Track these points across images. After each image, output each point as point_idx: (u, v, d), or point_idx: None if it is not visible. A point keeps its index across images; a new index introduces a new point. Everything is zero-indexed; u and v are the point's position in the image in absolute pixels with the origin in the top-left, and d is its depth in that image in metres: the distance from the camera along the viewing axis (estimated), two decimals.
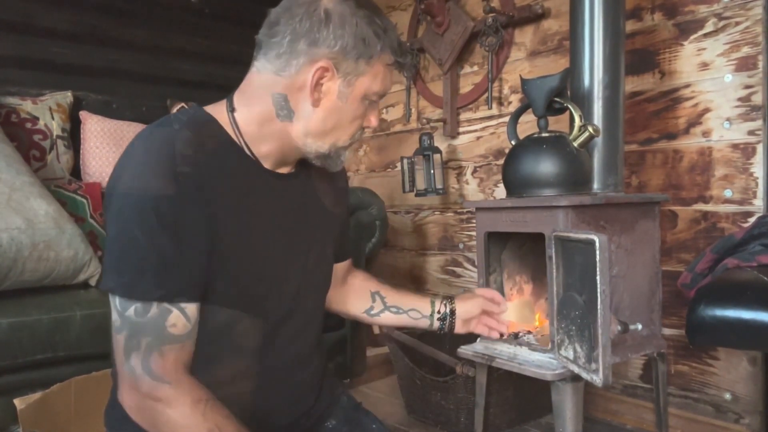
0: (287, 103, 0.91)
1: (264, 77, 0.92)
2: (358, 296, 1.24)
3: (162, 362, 0.82)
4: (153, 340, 0.82)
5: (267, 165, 0.96)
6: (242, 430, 0.83)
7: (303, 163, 1.01)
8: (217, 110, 0.94)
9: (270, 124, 0.93)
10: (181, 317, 0.84)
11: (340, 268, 1.21)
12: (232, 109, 0.94)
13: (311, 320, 1.07)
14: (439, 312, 1.22)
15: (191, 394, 0.82)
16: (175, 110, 2.56)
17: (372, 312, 1.23)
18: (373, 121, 0.97)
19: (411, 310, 1.22)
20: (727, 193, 1.71)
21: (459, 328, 1.25)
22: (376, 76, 0.91)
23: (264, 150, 0.94)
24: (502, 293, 1.64)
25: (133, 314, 0.82)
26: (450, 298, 1.25)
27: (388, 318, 1.23)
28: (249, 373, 0.94)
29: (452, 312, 1.23)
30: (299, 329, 1.02)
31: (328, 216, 1.09)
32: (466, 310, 1.25)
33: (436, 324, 1.23)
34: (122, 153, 0.87)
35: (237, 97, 0.95)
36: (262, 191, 0.95)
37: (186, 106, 2.59)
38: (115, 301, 0.83)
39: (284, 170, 0.99)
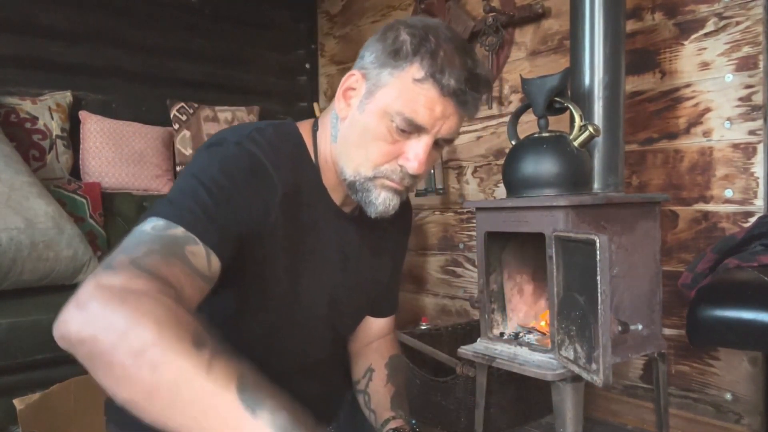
0: (336, 122, 0.86)
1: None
2: (360, 362, 1.06)
3: (160, 264, 0.62)
4: (160, 248, 0.64)
5: (335, 197, 0.89)
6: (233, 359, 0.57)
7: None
8: (305, 127, 0.89)
9: (329, 148, 0.87)
10: (204, 255, 0.68)
11: (377, 325, 1.07)
12: (316, 129, 0.89)
13: (329, 365, 1.00)
14: None
15: (182, 305, 0.59)
16: (174, 110, 2.56)
17: (357, 387, 1.04)
18: (411, 159, 0.80)
19: (372, 412, 0.99)
20: (728, 193, 1.71)
21: None
22: (401, 91, 0.77)
23: (328, 181, 0.88)
24: (503, 293, 1.65)
25: (150, 228, 0.67)
26: None
27: (359, 400, 1.03)
28: None
29: None
30: (314, 371, 0.95)
31: (384, 261, 1.01)
32: None
33: None
34: (214, 136, 0.83)
35: (321, 116, 0.90)
36: (323, 224, 0.87)
37: (186, 106, 2.59)
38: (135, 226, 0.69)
39: (348, 209, 0.91)
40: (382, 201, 0.83)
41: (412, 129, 0.79)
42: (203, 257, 0.68)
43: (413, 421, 0.94)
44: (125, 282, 0.57)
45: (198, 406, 0.50)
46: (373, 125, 0.80)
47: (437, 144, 0.82)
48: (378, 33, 0.83)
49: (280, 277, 0.84)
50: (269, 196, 0.78)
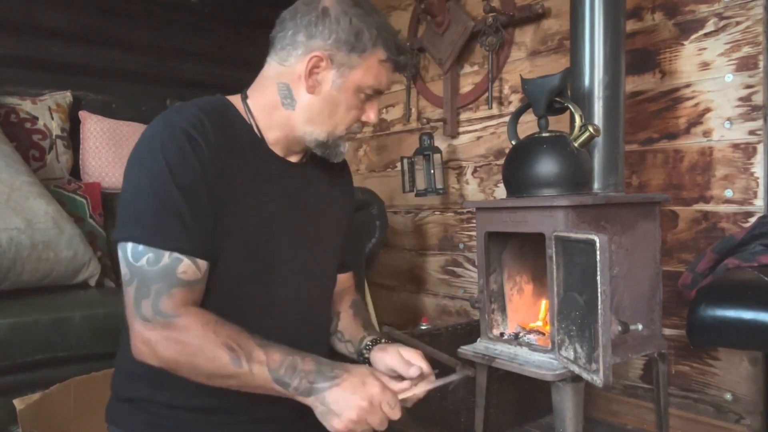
0: (290, 92, 1.00)
1: (272, 69, 1.02)
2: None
3: (171, 302, 0.86)
4: (163, 285, 0.86)
5: (277, 151, 1.04)
6: (253, 338, 0.87)
7: (313, 157, 1.08)
8: (233, 98, 1.04)
9: (277, 112, 1.01)
10: (192, 266, 0.89)
11: (338, 280, 1.19)
12: (245, 97, 1.04)
13: (316, 312, 1.09)
14: (362, 354, 1.09)
15: (199, 319, 0.87)
16: None
17: (330, 331, 1.18)
18: (372, 116, 1.03)
19: (348, 342, 1.13)
20: (728, 193, 1.71)
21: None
22: (369, 70, 0.98)
23: (272, 137, 1.02)
24: (503, 293, 1.64)
25: (146, 264, 0.86)
26: (375, 341, 1.09)
27: (334, 343, 1.17)
28: None
29: (368, 360, 1.07)
30: (303, 318, 1.06)
31: (335, 209, 1.14)
32: (378, 360, 1.06)
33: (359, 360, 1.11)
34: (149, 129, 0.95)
35: (251, 89, 1.05)
36: (270, 172, 1.02)
37: None
38: (127, 253, 0.88)
39: (293, 158, 1.06)
40: (346, 149, 1.06)
41: (375, 94, 1.02)
42: (192, 269, 0.89)
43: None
44: (163, 329, 0.85)
45: (255, 388, 0.87)
46: (348, 99, 0.99)
47: None
48: (315, 14, 0.96)
49: (251, 234, 0.97)
50: (217, 177, 0.92)
